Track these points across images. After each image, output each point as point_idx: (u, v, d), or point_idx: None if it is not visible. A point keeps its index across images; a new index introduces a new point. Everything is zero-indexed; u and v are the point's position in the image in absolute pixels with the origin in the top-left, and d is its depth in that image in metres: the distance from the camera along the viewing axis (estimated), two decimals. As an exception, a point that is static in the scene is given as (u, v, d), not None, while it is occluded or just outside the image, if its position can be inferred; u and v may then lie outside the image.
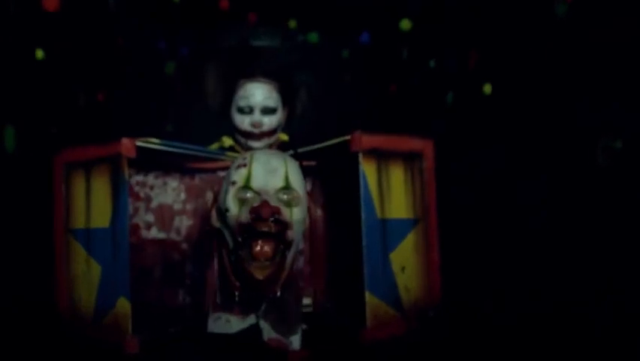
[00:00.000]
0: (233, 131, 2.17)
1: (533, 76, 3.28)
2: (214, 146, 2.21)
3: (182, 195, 2.07)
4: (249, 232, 1.51)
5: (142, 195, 2.01)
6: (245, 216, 1.51)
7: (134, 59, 4.49)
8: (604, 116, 3.04)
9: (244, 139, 2.14)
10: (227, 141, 2.22)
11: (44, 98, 3.82)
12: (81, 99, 4.11)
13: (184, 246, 2.05)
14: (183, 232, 2.06)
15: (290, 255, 1.57)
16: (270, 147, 2.14)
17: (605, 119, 3.03)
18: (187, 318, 1.92)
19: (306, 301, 2.02)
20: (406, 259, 1.74)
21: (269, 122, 2.14)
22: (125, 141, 1.70)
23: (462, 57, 3.66)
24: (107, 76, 4.31)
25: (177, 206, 2.07)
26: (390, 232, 1.72)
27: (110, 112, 4.28)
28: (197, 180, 2.07)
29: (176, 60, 4.51)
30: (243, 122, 2.12)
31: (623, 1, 3.01)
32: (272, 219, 1.49)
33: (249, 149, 2.12)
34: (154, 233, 2.02)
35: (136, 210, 1.99)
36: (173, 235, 2.05)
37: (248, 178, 1.56)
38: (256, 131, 2.12)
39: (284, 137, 2.29)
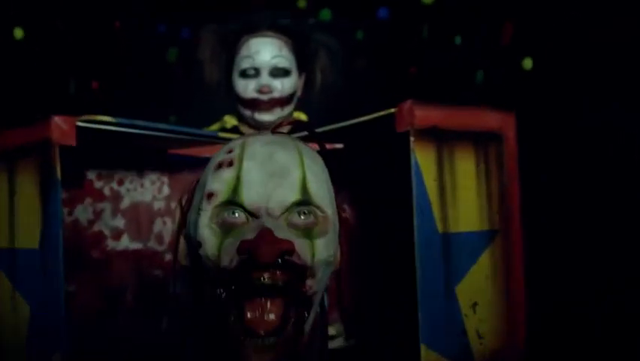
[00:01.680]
0: (237, 105, 1.67)
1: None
2: (214, 127, 1.70)
3: (165, 190, 1.47)
4: (239, 283, 0.74)
5: (107, 192, 1.41)
6: (230, 259, 0.74)
7: (133, 43, 3.90)
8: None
9: (249, 111, 1.64)
10: (230, 121, 1.71)
11: (29, 83, 3.20)
12: (72, 86, 3.47)
13: (167, 258, 1.45)
14: (166, 239, 1.47)
15: (310, 319, 0.78)
16: (279, 126, 1.53)
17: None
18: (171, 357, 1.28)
19: (332, 331, 1.34)
20: (478, 292, 1.08)
21: (281, 86, 1.61)
22: (58, 120, 1.05)
23: (494, 31, 3.00)
24: (102, 62, 3.74)
25: (158, 205, 1.47)
26: (456, 252, 1.06)
27: (105, 101, 3.70)
28: (185, 170, 1.48)
29: (178, 45, 3.89)
30: (247, 88, 1.62)
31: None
32: (279, 262, 0.72)
33: (258, 127, 1.62)
34: (125, 243, 1.42)
35: (98, 214, 1.39)
36: (152, 244, 1.46)
37: (236, 187, 0.77)
38: (264, 97, 1.60)
39: (301, 115, 1.70)
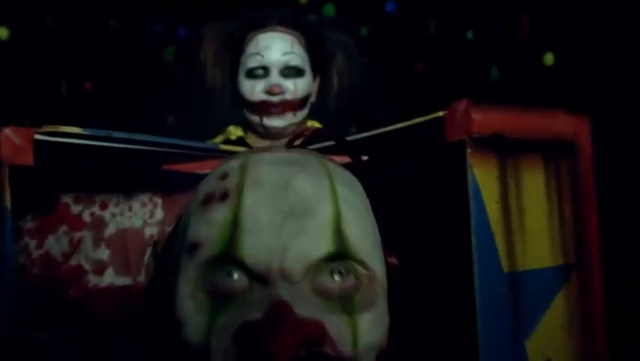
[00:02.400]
0: (243, 111, 1.49)
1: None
2: (217, 139, 1.51)
3: (158, 214, 1.20)
4: None
5: (87, 218, 1.12)
6: (225, 352, 0.46)
7: (129, 42, 3.66)
8: None
9: (257, 117, 1.45)
10: (236, 132, 1.52)
11: (17, 85, 2.94)
12: (64, 88, 3.21)
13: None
14: (161, 270, 1.16)
15: None
16: (297, 138, 1.27)
17: None
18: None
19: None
20: (552, 346, 0.81)
21: (293, 87, 1.42)
22: (8, 133, 0.79)
23: (509, 24, 2.74)
24: (97, 62, 3.48)
25: (150, 231, 1.19)
26: (525, 297, 0.79)
27: (99, 103, 3.45)
28: (182, 189, 1.17)
29: (176, 44, 3.65)
30: (254, 89, 1.44)
31: None
32: (302, 355, 0.43)
33: (269, 136, 1.46)
34: (110, 278, 1.14)
35: (76, 244, 1.11)
36: (143, 279, 1.16)
37: (232, 235, 0.49)
38: (274, 99, 1.42)
39: (315, 124, 1.49)
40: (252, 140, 1.51)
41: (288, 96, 1.44)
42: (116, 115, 3.57)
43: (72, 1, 3.33)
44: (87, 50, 3.39)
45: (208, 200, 0.52)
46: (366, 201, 0.57)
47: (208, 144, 1.22)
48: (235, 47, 1.49)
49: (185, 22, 3.62)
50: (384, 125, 1.61)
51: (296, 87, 1.44)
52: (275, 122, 1.44)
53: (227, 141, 1.49)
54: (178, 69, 3.77)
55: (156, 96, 3.65)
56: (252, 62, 1.44)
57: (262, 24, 1.47)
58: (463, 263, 0.76)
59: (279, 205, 0.49)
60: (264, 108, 1.44)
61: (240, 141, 1.49)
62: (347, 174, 0.57)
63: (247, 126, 1.50)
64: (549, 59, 2.42)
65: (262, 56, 1.44)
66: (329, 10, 3.10)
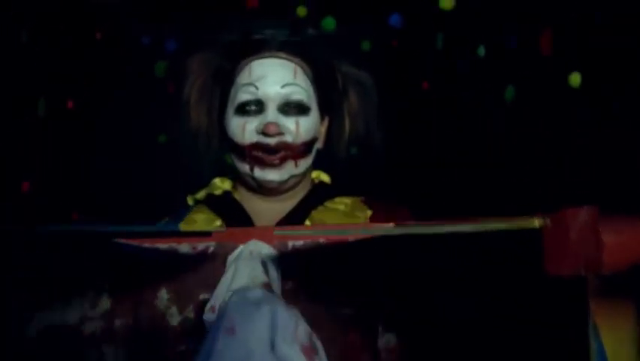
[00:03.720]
0: (232, 158, 1.14)
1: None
2: (200, 194, 1.17)
3: (104, 304, 0.87)
4: None
5: None
6: None
7: (116, 56, 3.31)
8: None
9: (248, 166, 1.10)
10: (222, 185, 1.17)
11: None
12: (41, 106, 2.85)
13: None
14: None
15: None
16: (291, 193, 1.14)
17: None
18: None
19: None
20: None
21: (295, 127, 1.09)
22: None
23: (527, 38, 2.39)
24: (79, 77, 3.13)
25: (91, 327, 0.86)
26: None
27: (82, 123, 3.10)
28: (134, 273, 0.87)
29: (166, 58, 3.30)
30: (244, 129, 1.09)
31: None
32: None
33: (262, 191, 1.13)
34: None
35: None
36: None
37: None
38: (271, 141, 1.08)
39: (323, 176, 1.22)
40: (242, 195, 1.16)
41: (288, 139, 1.09)
42: (102, 135, 3.25)
43: (52, 12, 2.96)
44: (68, 64, 3.03)
45: None
46: None
47: (167, 225, 0.86)
48: (225, 79, 1.15)
49: (175, 36, 3.27)
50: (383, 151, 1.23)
51: (298, 128, 1.09)
52: (270, 174, 1.09)
53: (211, 197, 1.14)
54: (169, 84, 3.41)
55: (146, 113, 3.32)
56: (243, 96, 1.10)
57: (257, 49, 1.13)
58: None
59: None
60: (256, 156, 1.09)
61: (226, 197, 1.15)
62: None
63: (237, 177, 1.16)
64: (575, 79, 2.04)
65: (256, 88, 1.10)
66: (329, 23, 2.74)
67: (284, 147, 1.08)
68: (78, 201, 3.21)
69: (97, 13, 3.21)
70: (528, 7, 2.31)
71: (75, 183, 3.18)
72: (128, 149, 3.28)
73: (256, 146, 1.08)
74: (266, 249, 0.80)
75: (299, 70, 1.11)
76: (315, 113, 1.13)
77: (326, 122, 1.19)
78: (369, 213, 1.11)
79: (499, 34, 2.58)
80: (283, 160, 1.08)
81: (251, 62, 1.11)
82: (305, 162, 1.12)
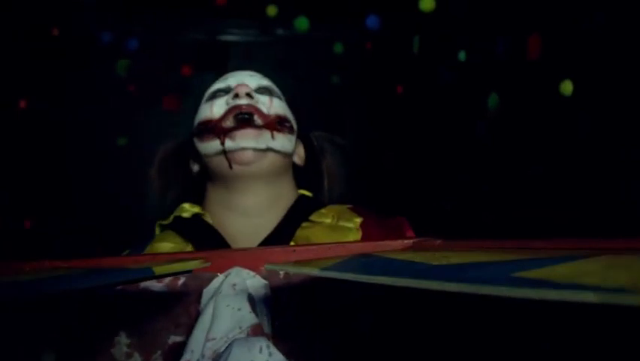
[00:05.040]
0: (198, 150, 0.97)
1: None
2: (167, 220, 0.97)
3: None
4: None
5: None
6: None
7: (74, 53, 3.10)
8: None
9: (218, 141, 0.92)
10: (191, 209, 0.97)
11: None
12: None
13: None
14: None
15: None
16: (267, 176, 0.94)
17: None
18: None
19: None
20: None
21: (268, 100, 0.97)
22: None
23: (513, 44, 2.25)
24: (35, 75, 2.90)
25: None
26: None
27: (39, 123, 2.88)
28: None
29: (128, 56, 3.10)
30: (212, 105, 0.96)
31: None
32: None
33: (236, 195, 0.94)
34: None
35: None
36: None
37: None
38: (242, 102, 0.93)
39: (303, 191, 1.03)
40: (215, 217, 0.96)
41: (262, 107, 0.95)
42: (57, 137, 3.02)
43: (4, 6, 2.73)
44: (20, 61, 2.80)
45: None
46: None
47: (140, 269, 0.66)
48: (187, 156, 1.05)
49: (137, 34, 3.07)
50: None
51: (272, 102, 0.97)
52: (244, 141, 0.91)
53: (179, 221, 0.95)
54: (130, 83, 3.22)
55: (105, 114, 3.11)
56: (212, 87, 1.01)
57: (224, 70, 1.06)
58: None
59: None
60: (225, 127, 0.92)
61: (196, 219, 0.95)
62: None
63: (207, 201, 0.98)
64: (567, 87, 1.90)
65: (226, 79, 1.01)
66: (302, 23, 2.58)
67: (256, 111, 0.93)
68: (31, 208, 2.99)
69: (53, 8, 2.99)
70: (515, 10, 2.18)
71: (27, 188, 2.95)
72: (85, 152, 3.07)
73: (226, 115, 0.93)
74: (251, 278, 0.62)
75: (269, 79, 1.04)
76: (288, 107, 1.02)
77: (302, 148, 1.06)
78: (358, 220, 0.94)
79: (483, 39, 2.45)
80: (257, 129, 0.92)
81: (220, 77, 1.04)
82: (283, 140, 0.95)
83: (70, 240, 2.62)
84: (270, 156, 0.93)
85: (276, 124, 0.95)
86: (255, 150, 0.91)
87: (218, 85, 1.00)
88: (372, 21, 2.53)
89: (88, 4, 3.01)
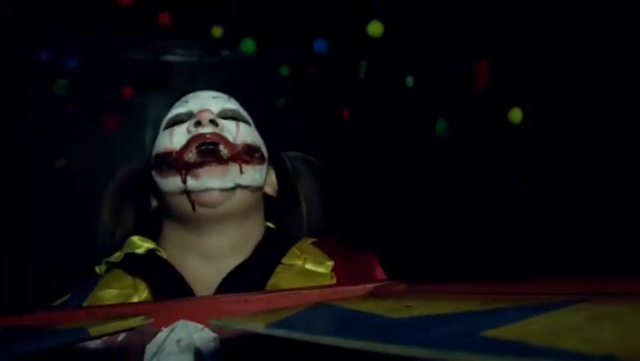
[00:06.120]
0: (158, 187, 0.85)
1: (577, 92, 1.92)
2: (115, 256, 0.85)
3: None
4: None
5: None
6: None
7: (10, 71, 2.95)
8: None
9: (180, 178, 0.81)
10: (144, 243, 0.86)
11: None
12: None
13: None
14: None
15: None
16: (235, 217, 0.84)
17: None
18: None
19: None
20: None
21: (235, 128, 0.86)
22: None
23: (461, 70, 2.26)
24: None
25: None
26: None
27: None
28: None
29: (66, 75, 2.97)
30: (172, 134, 0.85)
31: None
32: None
33: (197, 229, 0.84)
34: None
35: None
36: None
37: None
38: (206, 131, 0.83)
39: (269, 224, 0.95)
40: (171, 255, 0.85)
41: (228, 136, 0.84)
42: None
43: None
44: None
45: None
46: None
47: (74, 329, 0.58)
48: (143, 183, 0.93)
49: (77, 52, 2.95)
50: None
51: (239, 129, 0.86)
52: (209, 181, 0.80)
53: (130, 258, 0.84)
54: (69, 102, 3.09)
55: (42, 134, 2.97)
56: (172, 112, 0.90)
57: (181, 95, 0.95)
58: None
59: None
60: (187, 161, 0.81)
61: (151, 256, 0.84)
62: None
63: (163, 238, 0.88)
64: (516, 115, 1.90)
65: (187, 102, 0.90)
66: (249, 46, 2.52)
67: (222, 140, 0.82)
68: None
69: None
70: (465, 37, 2.18)
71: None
72: (22, 173, 2.92)
73: (187, 146, 0.82)
74: (199, 333, 0.56)
75: (233, 99, 0.94)
76: (257, 133, 0.91)
77: (273, 175, 0.96)
78: (330, 264, 0.85)
79: (432, 65, 2.45)
80: (223, 163, 0.81)
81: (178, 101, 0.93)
82: (252, 173, 0.84)
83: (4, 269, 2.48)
84: (239, 194, 0.83)
85: (244, 155, 0.84)
86: (222, 190, 0.81)
87: (178, 110, 0.89)
88: (320, 45, 2.50)
89: (25, 22, 2.88)
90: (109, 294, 0.79)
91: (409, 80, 2.44)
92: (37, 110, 2.98)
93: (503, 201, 2.14)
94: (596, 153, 1.91)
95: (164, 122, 0.90)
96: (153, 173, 0.86)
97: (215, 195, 0.80)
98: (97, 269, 0.88)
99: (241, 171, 0.83)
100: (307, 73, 3.00)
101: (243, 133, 0.86)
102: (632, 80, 1.79)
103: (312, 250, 0.88)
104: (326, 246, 0.90)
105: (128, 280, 0.82)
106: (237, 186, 0.82)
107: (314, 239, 0.93)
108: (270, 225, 0.94)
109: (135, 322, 0.51)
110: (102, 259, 0.88)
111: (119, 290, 0.79)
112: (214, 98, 0.91)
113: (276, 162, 0.97)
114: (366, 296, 0.56)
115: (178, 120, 0.88)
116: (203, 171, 0.80)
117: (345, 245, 0.92)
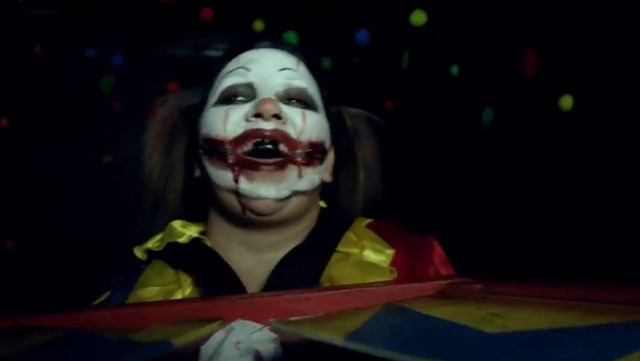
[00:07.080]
0: (204, 173, 0.78)
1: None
2: (153, 244, 0.81)
3: None
4: None
5: None
6: None
7: (57, 70, 2.98)
8: None
9: (231, 175, 0.73)
10: (186, 230, 0.81)
11: None
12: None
13: None
14: None
15: None
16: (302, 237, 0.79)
17: None
18: None
19: None
20: None
21: (301, 118, 0.75)
22: None
23: (508, 59, 2.17)
24: (16, 93, 2.79)
25: None
26: None
27: (18, 143, 2.76)
28: None
29: (113, 73, 2.99)
30: (227, 117, 0.74)
31: None
32: None
33: (247, 224, 0.76)
34: None
35: None
36: None
37: None
38: (266, 127, 0.72)
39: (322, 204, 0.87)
40: (217, 244, 0.78)
41: (291, 131, 0.74)
42: (41, 155, 2.90)
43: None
44: (3, 79, 2.69)
45: None
46: None
47: (157, 343, 0.54)
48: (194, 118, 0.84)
49: (122, 50, 2.96)
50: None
51: (305, 120, 0.75)
52: (262, 188, 0.72)
53: (173, 247, 0.77)
54: (116, 101, 3.11)
55: (89, 132, 2.99)
56: (228, 81, 0.78)
57: (247, 45, 0.81)
58: None
59: None
60: (242, 158, 0.72)
61: (196, 246, 0.78)
62: None
63: (209, 225, 0.81)
64: (567, 102, 1.82)
65: (247, 69, 0.77)
66: (291, 37, 2.47)
67: (284, 139, 0.72)
68: (13, 228, 2.86)
69: (36, 24, 2.88)
70: (511, 24, 2.10)
71: (10, 207, 2.82)
72: (70, 170, 2.95)
73: (243, 140, 0.72)
74: (259, 333, 0.52)
75: (302, 65, 0.81)
76: (324, 118, 0.81)
77: (332, 155, 0.86)
78: (389, 252, 0.77)
79: (477, 53, 2.37)
80: (281, 166, 0.73)
81: (239, 54, 0.80)
82: (311, 176, 0.76)
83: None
84: (295, 200, 0.75)
85: (305, 157, 0.75)
86: (276, 200, 0.73)
87: (236, 79, 0.77)
88: (362, 35, 2.44)
89: (71, 21, 2.91)
90: (150, 292, 0.73)
91: (454, 69, 2.37)
92: (84, 108, 3.00)
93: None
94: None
95: (218, 89, 0.79)
96: (201, 153, 0.79)
97: (268, 204, 0.73)
98: (137, 253, 0.81)
99: (300, 175, 0.75)
100: (349, 64, 2.94)
101: (309, 127, 0.76)
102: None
103: (370, 234, 0.80)
104: (384, 229, 0.82)
105: (170, 273, 0.76)
106: (294, 194, 0.75)
107: (369, 220, 0.84)
108: (323, 204, 0.86)
109: (213, 327, 0.47)
110: (142, 247, 0.81)
111: (160, 287, 0.73)
112: (280, 70, 0.78)
113: (332, 119, 0.85)
114: (439, 297, 0.51)
115: (234, 93, 0.77)
116: (258, 175, 0.72)
117: (403, 228, 0.83)
